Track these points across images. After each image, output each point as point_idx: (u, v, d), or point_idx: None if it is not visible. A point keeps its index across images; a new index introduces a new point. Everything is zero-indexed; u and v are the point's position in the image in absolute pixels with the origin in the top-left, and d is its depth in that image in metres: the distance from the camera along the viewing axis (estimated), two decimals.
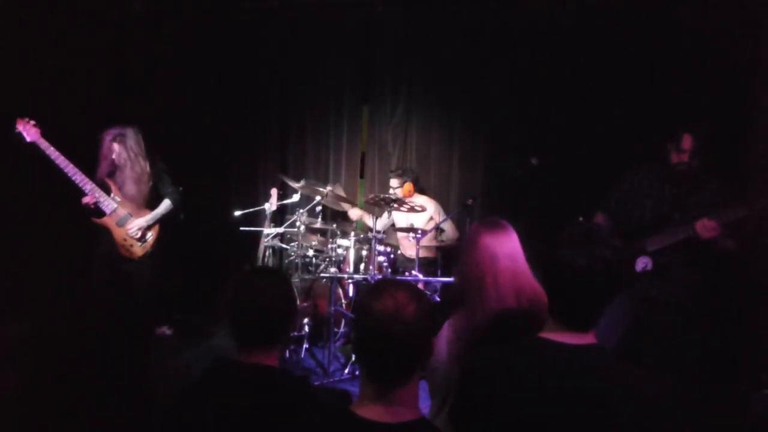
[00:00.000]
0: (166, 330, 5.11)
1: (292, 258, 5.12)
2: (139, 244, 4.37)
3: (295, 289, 4.55)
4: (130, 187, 4.33)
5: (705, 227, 3.05)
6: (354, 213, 5.44)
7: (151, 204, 4.45)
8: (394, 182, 5.22)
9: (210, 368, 1.69)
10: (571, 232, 1.55)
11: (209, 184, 5.95)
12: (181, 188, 4.62)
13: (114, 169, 4.30)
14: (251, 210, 5.29)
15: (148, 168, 4.37)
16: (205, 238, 5.76)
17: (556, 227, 1.61)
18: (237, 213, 5.26)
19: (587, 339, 1.50)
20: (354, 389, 3.92)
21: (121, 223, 4.33)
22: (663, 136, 3.38)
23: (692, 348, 3.33)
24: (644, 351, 3.23)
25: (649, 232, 3.31)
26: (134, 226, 4.32)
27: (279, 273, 1.89)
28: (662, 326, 3.27)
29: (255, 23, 5.93)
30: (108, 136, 4.28)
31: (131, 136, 4.31)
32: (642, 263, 3.29)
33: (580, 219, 3.68)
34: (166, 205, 4.47)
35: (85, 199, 4.20)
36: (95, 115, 4.70)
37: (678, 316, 3.26)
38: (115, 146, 4.27)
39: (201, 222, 5.69)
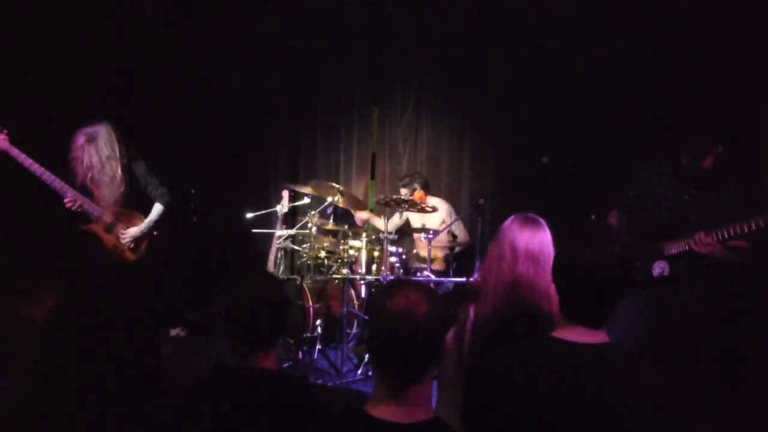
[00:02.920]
0: (180, 331, 5.15)
1: (304, 259, 5.14)
2: (130, 248, 4.18)
3: (305, 289, 4.57)
4: (104, 192, 4.04)
5: (701, 243, 3.00)
6: (361, 216, 5.42)
7: (143, 208, 4.22)
8: (403, 191, 5.20)
9: (208, 375, 1.70)
10: (582, 230, 1.55)
11: (221, 187, 5.99)
12: (193, 190, 4.62)
13: (89, 173, 3.97)
14: (263, 212, 5.31)
15: (119, 171, 4.03)
16: (218, 239, 5.80)
17: (567, 226, 1.61)
18: (249, 215, 5.29)
19: (600, 337, 1.50)
20: (367, 390, 3.93)
21: (110, 230, 4.12)
22: (674, 134, 3.35)
23: (709, 348, 3.29)
24: (661, 351, 3.19)
25: (666, 235, 3.25)
26: (127, 235, 4.12)
27: (269, 274, 1.88)
28: (679, 327, 3.22)
29: (265, 24, 5.96)
30: (79, 137, 3.96)
31: (102, 135, 3.98)
32: (659, 268, 3.23)
33: (593, 217, 3.66)
34: (157, 210, 4.21)
35: (67, 202, 3.92)
36: (105, 118, 4.76)
37: (695, 317, 3.21)
38: (86, 149, 3.95)
39: (213, 224, 5.73)
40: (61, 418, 1.17)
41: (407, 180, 5.22)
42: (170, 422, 1.55)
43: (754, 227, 2.83)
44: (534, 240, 2.11)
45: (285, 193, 5.29)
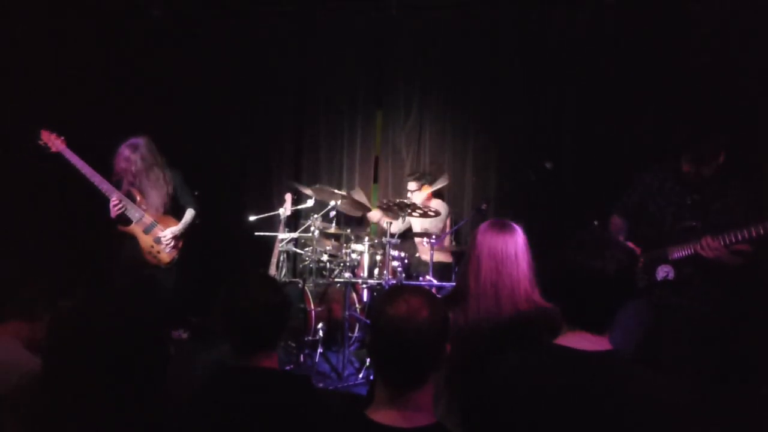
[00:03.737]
0: (182, 333, 5.16)
1: (306, 263, 5.14)
2: (167, 250, 4.41)
3: (307, 293, 4.58)
4: (152, 196, 4.40)
5: (707, 247, 3.00)
6: (374, 215, 5.45)
7: (175, 213, 4.51)
8: (412, 185, 5.23)
9: (213, 376, 1.71)
10: (583, 236, 1.55)
11: (224, 189, 6.00)
12: (196, 192, 4.67)
13: (135, 180, 4.35)
14: (266, 215, 5.32)
15: (163, 176, 4.43)
16: (221, 242, 5.81)
17: (569, 231, 1.61)
18: (252, 218, 5.30)
19: (603, 345, 1.50)
20: None
21: (148, 231, 4.37)
22: (676, 138, 3.35)
23: (711, 354, 3.29)
24: (663, 357, 3.19)
25: (669, 239, 3.25)
26: (168, 233, 4.38)
27: (268, 276, 1.90)
28: (682, 332, 3.22)
29: (269, 28, 5.98)
30: (123, 149, 4.33)
31: (144, 145, 4.35)
32: (663, 272, 3.23)
33: (595, 223, 3.65)
34: (191, 213, 4.54)
35: (113, 201, 4.24)
36: (110, 122, 4.78)
37: (698, 323, 3.21)
38: (131, 157, 4.31)
39: (216, 226, 5.73)
40: (70, 417, 1.18)
41: (418, 174, 5.26)
42: (174, 423, 1.56)
43: (762, 232, 2.84)
44: (497, 243, 2.15)
45: (288, 197, 5.30)
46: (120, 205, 4.25)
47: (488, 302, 2.11)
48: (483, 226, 2.25)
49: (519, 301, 2.11)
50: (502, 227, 2.20)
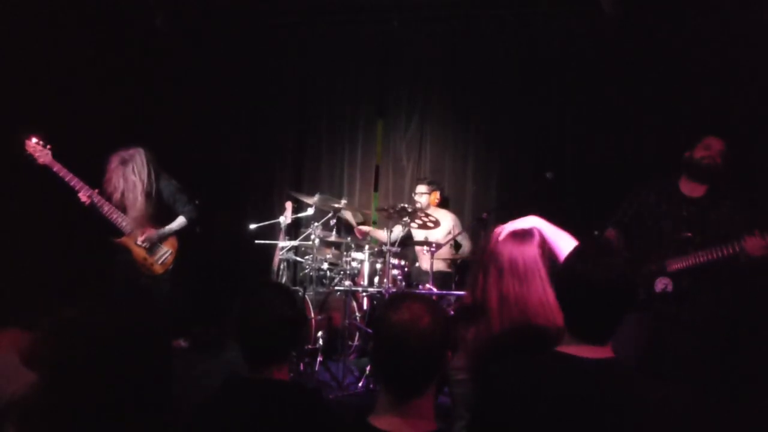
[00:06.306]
0: (182, 342, 5.15)
1: (306, 271, 5.13)
2: (159, 262, 4.42)
3: (307, 301, 4.59)
4: (134, 211, 4.34)
5: (755, 246, 2.88)
6: (361, 229, 5.48)
7: (167, 224, 4.49)
8: (421, 188, 5.25)
9: (223, 386, 1.71)
10: (584, 246, 1.56)
11: (225, 197, 6.01)
12: (197, 201, 4.67)
13: (119, 194, 4.29)
14: (266, 223, 5.32)
15: (140, 197, 4.31)
16: (221, 250, 5.81)
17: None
18: (252, 226, 5.30)
19: (605, 353, 1.50)
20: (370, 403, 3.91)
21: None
22: (680, 149, 3.37)
23: (712, 365, 3.29)
24: (663, 370, 3.19)
25: (668, 252, 3.26)
26: (145, 237, 4.36)
27: (283, 287, 1.90)
28: (682, 344, 3.22)
29: (272, 39, 6.02)
30: (114, 159, 4.28)
31: (135, 159, 4.28)
32: (662, 284, 3.23)
33: (595, 233, 3.67)
34: (179, 221, 4.50)
35: (82, 197, 4.17)
36: (112, 129, 4.79)
37: (697, 334, 3.21)
38: (116, 171, 4.26)
39: (216, 235, 5.74)
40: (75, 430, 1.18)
41: (429, 179, 5.35)
42: None
43: None
44: (517, 255, 2.06)
45: (288, 205, 5.30)
46: (88, 199, 4.19)
47: (514, 314, 2.00)
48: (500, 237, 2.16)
49: (548, 312, 2.00)
50: (522, 237, 2.11)
